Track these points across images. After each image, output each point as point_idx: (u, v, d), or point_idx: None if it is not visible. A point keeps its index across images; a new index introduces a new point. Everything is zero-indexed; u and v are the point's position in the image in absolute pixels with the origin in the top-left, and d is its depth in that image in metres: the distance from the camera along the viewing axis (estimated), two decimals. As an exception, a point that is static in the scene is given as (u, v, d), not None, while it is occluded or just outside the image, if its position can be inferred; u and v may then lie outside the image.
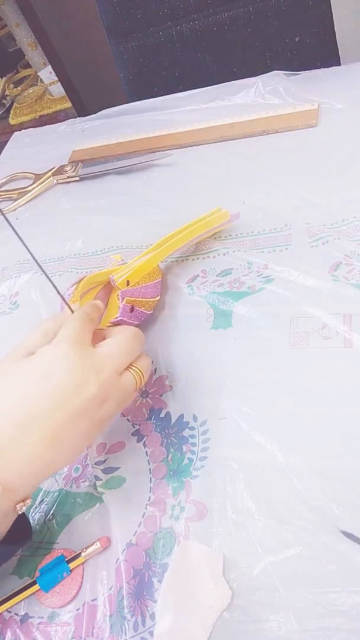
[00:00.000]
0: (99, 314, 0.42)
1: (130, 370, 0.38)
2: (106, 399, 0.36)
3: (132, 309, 0.47)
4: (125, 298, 0.47)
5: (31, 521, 0.42)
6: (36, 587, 0.38)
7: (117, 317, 0.46)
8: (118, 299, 0.47)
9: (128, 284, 0.48)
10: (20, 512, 0.34)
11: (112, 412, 0.37)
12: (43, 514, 0.42)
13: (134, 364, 0.39)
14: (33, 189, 0.73)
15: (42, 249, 0.65)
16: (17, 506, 0.33)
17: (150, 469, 0.41)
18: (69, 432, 0.34)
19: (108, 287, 0.51)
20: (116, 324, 0.47)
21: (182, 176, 0.65)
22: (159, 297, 0.51)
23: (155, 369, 0.47)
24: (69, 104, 1.62)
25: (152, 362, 0.48)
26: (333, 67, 0.70)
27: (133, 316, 0.47)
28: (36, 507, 0.43)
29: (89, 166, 0.71)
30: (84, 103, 1.58)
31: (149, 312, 0.50)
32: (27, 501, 0.34)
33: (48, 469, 0.34)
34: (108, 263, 0.53)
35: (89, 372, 0.36)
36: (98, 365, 0.36)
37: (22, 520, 0.38)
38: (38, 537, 0.41)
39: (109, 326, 0.47)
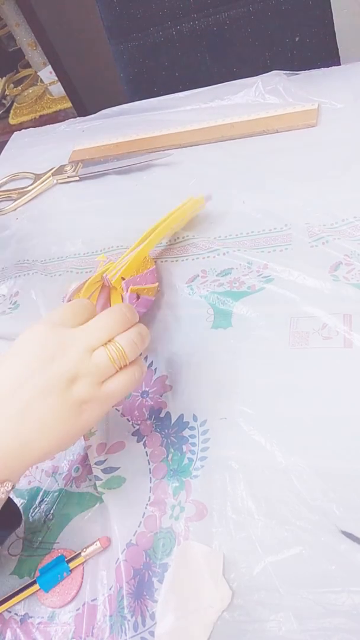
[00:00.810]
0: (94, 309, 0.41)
1: (106, 346, 0.36)
2: (76, 376, 0.34)
3: (137, 297, 0.48)
4: (130, 287, 0.47)
5: (31, 521, 0.42)
6: (36, 587, 0.38)
7: None
8: (123, 289, 0.47)
9: (123, 280, 0.48)
10: (1, 496, 0.33)
11: (90, 393, 0.35)
12: (43, 514, 0.42)
13: (114, 340, 0.36)
14: (33, 189, 0.73)
15: (42, 249, 0.65)
16: None
17: (150, 469, 0.41)
18: (37, 408, 0.33)
19: (105, 290, 0.51)
20: None
21: (182, 176, 0.65)
22: (157, 284, 0.51)
23: (155, 369, 0.47)
24: (69, 104, 1.62)
25: (151, 360, 0.48)
26: (333, 67, 0.70)
27: (140, 304, 0.48)
28: (36, 507, 0.43)
29: (89, 166, 0.71)
30: (84, 103, 1.58)
31: (152, 299, 0.50)
32: (7, 484, 0.33)
33: (22, 448, 0.33)
34: (95, 266, 0.53)
35: (56, 348, 0.35)
36: (67, 342, 0.35)
37: (10, 506, 0.38)
38: (38, 537, 0.41)
39: None
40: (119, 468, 0.42)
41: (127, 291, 0.47)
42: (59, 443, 0.35)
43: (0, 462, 0.33)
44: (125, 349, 0.36)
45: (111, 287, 0.49)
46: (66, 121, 0.85)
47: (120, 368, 0.36)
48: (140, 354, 0.38)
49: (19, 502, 0.44)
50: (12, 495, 0.44)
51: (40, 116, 1.71)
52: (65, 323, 0.37)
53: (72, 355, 0.35)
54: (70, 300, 0.49)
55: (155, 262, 0.53)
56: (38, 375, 0.34)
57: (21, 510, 0.41)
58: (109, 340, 0.36)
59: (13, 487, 0.34)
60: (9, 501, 0.37)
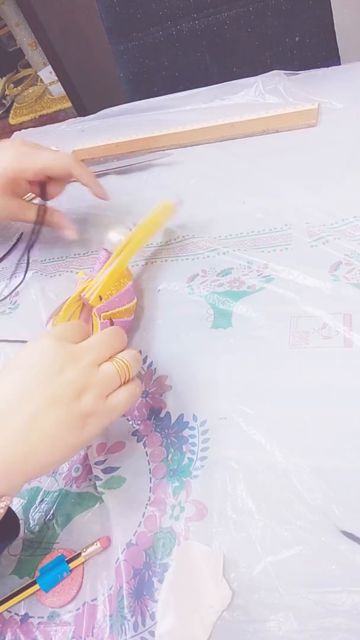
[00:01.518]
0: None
1: (113, 361, 0.37)
2: (85, 388, 0.35)
3: (111, 322, 0.47)
4: (102, 314, 0.47)
5: (31, 521, 0.42)
6: (36, 587, 0.38)
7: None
8: (95, 316, 0.47)
9: (101, 300, 0.48)
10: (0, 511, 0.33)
11: (95, 406, 0.35)
12: (43, 513, 0.42)
13: (117, 357, 0.38)
14: (33, 189, 0.73)
15: (42, 249, 0.65)
16: None
17: (150, 469, 0.41)
18: (44, 419, 0.33)
19: (86, 309, 0.50)
20: None
21: (182, 176, 0.65)
22: (135, 300, 0.50)
23: (155, 369, 0.47)
24: (69, 104, 1.62)
25: (151, 360, 0.48)
26: (333, 67, 0.70)
27: None
28: (36, 507, 0.43)
29: (89, 166, 0.71)
30: (84, 103, 1.58)
31: (130, 319, 0.49)
32: (6, 499, 0.33)
33: (24, 461, 0.33)
34: (74, 284, 0.53)
35: (65, 361, 0.35)
36: (75, 356, 0.36)
37: (9, 517, 0.37)
38: (38, 537, 0.41)
39: None
40: (119, 468, 0.42)
41: (100, 318, 0.46)
42: (60, 456, 0.35)
43: (1, 476, 0.32)
44: (130, 364, 0.38)
45: (90, 306, 0.48)
46: (66, 121, 0.85)
47: (124, 382, 0.37)
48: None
49: (19, 502, 0.44)
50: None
51: (40, 116, 1.71)
52: (68, 338, 0.38)
53: (80, 367, 0.35)
54: (51, 320, 0.50)
55: (132, 276, 0.52)
56: (46, 386, 0.34)
57: (21, 521, 0.41)
58: (111, 357, 0.38)
59: (11, 502, 0.34)
60: (8, 511, 0.37)
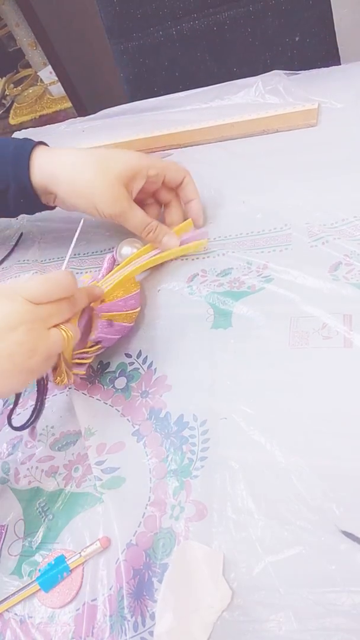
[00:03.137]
0: (85, 298, 0.45)
1: (60, 328, 0.41)
2: (35, 350, 0.38)
3: (111, 324, 0.47)
4: (102, 314, 0.47)
5: (31, 521, 0.42)
6: (36, 587, 0.38)
7: (96, 335, 0.46)
8: (96, 315, 0.47)
9: (103, 302, 0.48)
10: None
11: (41, 367, 0.40)
12: (43, 514, 0.42)
13: (62, 326, 0.41)
14: (33, 189, 0.73)
15: (42, 249, 0.65)
16: None
17: (150, 469, 0.41)
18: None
19: (88, 310, 0.50)
20: (97, 342, 0.47)
21: (182, 176, 0.65)
22: (139, 309, 0.50)
23: (155, 369, 0.47)
24: (69, 104, 1.62)
25: (151, 360, 0.48)
26: (333, 67, 0.70)
27: (113, 330, 0.47)
28: (36, 507, 0.43)
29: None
30: (84, 103, 1.58)
31: (130, 325, 0.49)
32: None
33: None
34: (79, 284, 0.53)
35: (20, 321, 0.38)
36: (29, 317, 0.38)
37: None
38: (38, 537, 0.41)
39: (91, 346, 0.46)
40: (119, 468, 0.42)
41: (98, 318, 0.46)
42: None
43: None
44: (71, 337, 0.42)
45: (91, 307, 0.48)
46: (66, 121, 0.85)
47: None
48: None
49: (19, 502, 0.44)
50: (12, 495, 0.44)
51: (40, 116, 1.72)
52: (35, 298, 0.40)
53: (31, 328, 0.38)
54: None
55: (140, 286, 0.52)
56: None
57: (21, 521, 0.42)
58: (59, 325, 0.41)
59: None
60: None
